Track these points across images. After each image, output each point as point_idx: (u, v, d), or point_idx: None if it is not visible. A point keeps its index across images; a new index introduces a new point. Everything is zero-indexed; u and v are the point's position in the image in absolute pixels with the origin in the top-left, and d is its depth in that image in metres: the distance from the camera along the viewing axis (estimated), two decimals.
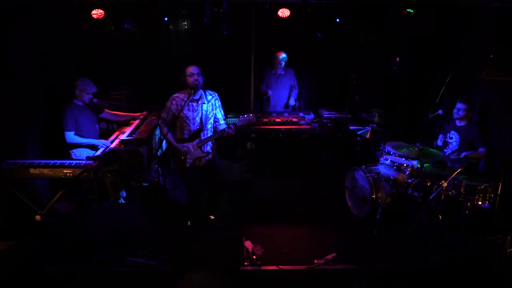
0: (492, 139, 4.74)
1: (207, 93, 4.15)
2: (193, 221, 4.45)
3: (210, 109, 4.14)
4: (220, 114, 4.26)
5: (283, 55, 5.78)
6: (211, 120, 4.19)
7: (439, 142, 4.93)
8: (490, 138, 4.78)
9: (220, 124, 4.25)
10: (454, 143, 4.67)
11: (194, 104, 4.05)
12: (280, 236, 4.34)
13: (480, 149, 4.52)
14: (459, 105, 4.56)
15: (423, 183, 4.25)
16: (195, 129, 4.11)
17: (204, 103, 4.09)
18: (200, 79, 3.97)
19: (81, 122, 4.58)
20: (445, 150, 4.77)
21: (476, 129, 4.56)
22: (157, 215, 4.66)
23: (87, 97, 4.55)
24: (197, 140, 4.11)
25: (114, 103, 5.43)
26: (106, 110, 5.04)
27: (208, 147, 4.21)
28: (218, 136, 4.13)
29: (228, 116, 5.31)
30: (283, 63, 5.84)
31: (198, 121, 4.10)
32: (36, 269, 3.67)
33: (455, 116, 4.62)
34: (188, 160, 4.11)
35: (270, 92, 5.99)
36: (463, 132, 4.60)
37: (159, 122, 4.19)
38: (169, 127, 4.13)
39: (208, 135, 4.16)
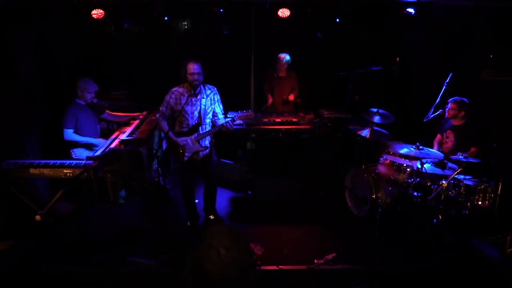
0: (492, 139, 4.74)
1: (206, 88, 4.15)
2: (192, 220, 4.45)
3: (209, 103, 4.14)
4: (219, 109, 4.26)
5: (286, 58, 5.65)
6: (210, 115, 4.20)
7: (436, 142, 4.93)
8: (489, 138, 4.77)
9: (219, 119, 4.25)
10: (450, 142, 4.68)
11: (193, 98, 4.06)
12: (280, 236, 4.34)
13: (472, 148, 4.52)
14: (449, 104, 4.59)
15: (423, 183, 4.25)
16: (194, 123, 4.12)
17: (203, 97, 4.09)
18: (201, 78, 3.98)
19: (82, 121, 4.57)
20: (442, 149, 4.77)
21: (472, 129, 4.57)
22: (157, 215, 4.66)
23: (89, 97, 4.55)
24: (196, 134, 4.12)
25: (114, 103, 5.43)
26: (107, 111, 5.04)
27: (207, 142, 4.22)
28: (217, 131, 4.14)
29: (228, 116, 5.31)
30: (286, 66, 5.72)
31: (197, 115, 4.10)
32: (36, 269, 3.66)
33: (445, 115, 4.64)
34: (186, 154, 4.12)
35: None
36: (459, 131, 4.61)
37: (157, 115, 4.20)
38: (167, 121, 4.15)
39: (207, 130, 4.16)
